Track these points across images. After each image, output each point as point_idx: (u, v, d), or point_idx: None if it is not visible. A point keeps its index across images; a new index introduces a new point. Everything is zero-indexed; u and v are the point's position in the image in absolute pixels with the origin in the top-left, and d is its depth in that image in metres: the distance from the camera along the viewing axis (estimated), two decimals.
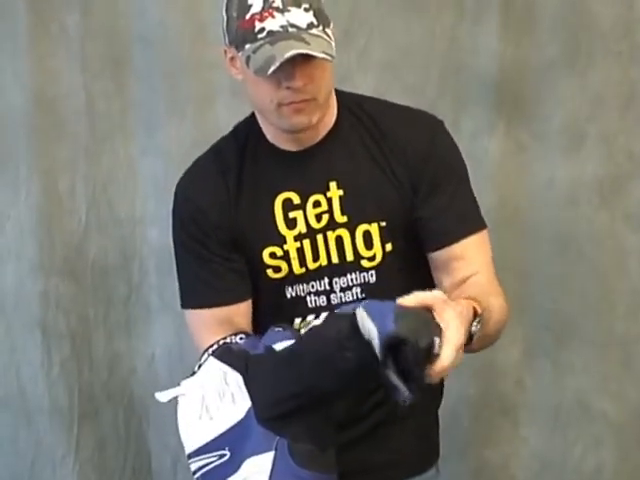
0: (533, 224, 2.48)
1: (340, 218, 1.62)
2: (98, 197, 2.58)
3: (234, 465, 1.40)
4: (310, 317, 1.64)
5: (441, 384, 1.77)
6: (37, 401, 2.63)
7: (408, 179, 1.62)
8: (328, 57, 1.49)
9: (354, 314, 1.28)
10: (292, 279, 1.63)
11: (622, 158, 2.44)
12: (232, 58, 1.57)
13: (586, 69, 2.41)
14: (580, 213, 2.47)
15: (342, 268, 1.62)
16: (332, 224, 1.62)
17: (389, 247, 1.62)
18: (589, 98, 2.42)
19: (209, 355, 1.48)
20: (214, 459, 1.41)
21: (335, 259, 1.62)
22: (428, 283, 1.65)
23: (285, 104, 1.53)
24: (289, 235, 1.62)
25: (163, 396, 1.45)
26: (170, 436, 2.55)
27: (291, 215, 1.62)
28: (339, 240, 1.62)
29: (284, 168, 1.63)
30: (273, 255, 1.63)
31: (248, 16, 1.50)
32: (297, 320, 1.64)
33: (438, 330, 1.27)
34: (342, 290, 1.63)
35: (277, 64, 1.46)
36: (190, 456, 1.44)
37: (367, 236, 1.62)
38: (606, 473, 2.54)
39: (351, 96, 1.69)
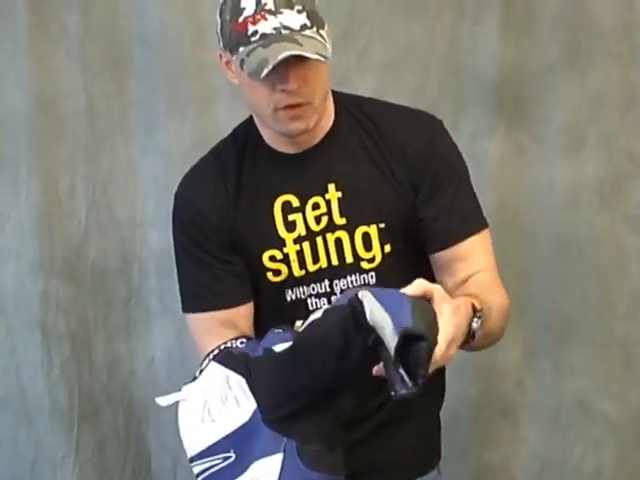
0: (533, 225, 2.48)
1: (339, 220, 1.61)
2: (98, 198, 2.58)
3: (241, 467, 1.39)
4: None
5: (442, 385, 1.77)
6: (37, 402, 2.63)
7: (408, 180, 1.62)
8: (321, 58, 1.48)
9: (357, 299, 1.27)
10: (292, 282, 1.63)
11: (622, 159, 2.44)
12: (227, 62, 1.57)
13: (586, 70, 2.41)
14: (580, 214, 2.46)
15: (342, 270, 1.62)
16: (331, 226, 1.62)
17: (388, 249, 1.62)
18: (589, 99, 2.42)
19: (210, 360, 1.48)
20: (218, 461, 1.41)
21: (335, 261, 1.62)
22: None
23: (280, 108, 1.53)
24: (288, 238, 1.62)
25: (164, 401, 1.45)
26: (170, 437, 2.55)
27: (290, 218, 1.62)
28: (338, 242, 1.62)
29: (283, 171, 1.63)
30: (273, 258, 1.62)
31: (241, 19, 1.49)
32: (298, 323, 1.63)
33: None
34: (342, 292, 1.62)
35: (270, 67, 1.46)
36: (193, 459, 1.43)
37: (366, 238, 1.62)
38: (606, 474, 2.54)
39: (349, 97, 1.68)
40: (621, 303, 2.48)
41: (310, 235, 1.62)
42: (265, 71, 1.46)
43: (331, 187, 1.61)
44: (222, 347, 1.53)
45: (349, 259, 1.62)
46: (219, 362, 1.46)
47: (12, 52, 2.54)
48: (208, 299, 1.64)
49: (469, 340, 1.41)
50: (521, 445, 2.54)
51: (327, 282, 1.63)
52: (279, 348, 1.41)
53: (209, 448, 1.41)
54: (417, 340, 1.25)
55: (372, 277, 1.63)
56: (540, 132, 2.45)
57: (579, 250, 2.47)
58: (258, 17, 1.48)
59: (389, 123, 1.63)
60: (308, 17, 1.50)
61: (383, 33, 2.46)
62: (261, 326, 1.63)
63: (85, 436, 2.64)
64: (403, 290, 1.33)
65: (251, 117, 1.66)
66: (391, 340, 1.24)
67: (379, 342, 1.26)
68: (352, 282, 1.63)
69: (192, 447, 1.43)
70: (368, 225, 1.61)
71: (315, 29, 1.51)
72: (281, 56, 1.45)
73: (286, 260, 1.62)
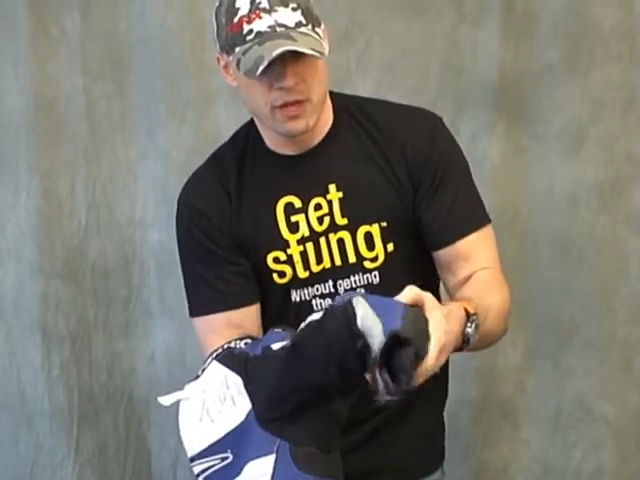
0: (533, 227, 2.48)
1: (340, 220, 1.62)
2: (98, 199, 2.59)
3: (237, 468, 1.39)
4: None
5: (445, 387, 1.77)
6: (37, 403, 2.63)
7: (408, 178, 1.62)
8: (317, 54, 1.48)
9: (351, 304, 1.27)
10: (297, 283, 1.63)
11: (622, 161, 2.44)
12: (225, 65, 1.57)
13: (586, 72, 2.41)
14: (580, 216, 2.46)
15: (345, 270, 1.62)
16: (333, 226, 1.62)
17: (391, 247, 1.62)
18: (589, 101, 2.43)
19: (213, 359, 1.48)
20: (216, 462, 1.41)
21: (338, 261, 1.62)
22: (432, 281, 1.65)
23: (278, 106, 1.53)
24: (292, 239, 1.62)
25: (166, 400, 1.45)
26: (170, 437, 2.56)
27: (293, 219, 1.62)
28: (341, 242, 1.62)
29: (283, 172, 1.63)
30: (277, 260, 1.63)
31: (236, 19, 1.50)
32: (303, 324, 1.63)
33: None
34: (347, 292, 1.62)
35: (265, 63, 1.46)
36: (193, 459, 1.43)
37: (368, 237, 1.62)
38: (606, 476, 2.54)
39: (348, 98, 1.68)
40: (622, 306, 2.48)
41: (313, 236, 1.62)
42: (261, 68, 1.46)
43: (332, 187, 1.61)
44: (225, 346, 1.52)
45: (352, 259, 1.62)
46: (220, 361, 1.46)
47: (13, 54, 2.55)
48: (214, 301, 1.64)
49: (463, 345, 1.41)
50: (521, 447, 2.54)
51: (331, 282, 1.63)
52: (276, 346, 1.41)
53: (208, 448, 1.41)
54: (405, 345, 1.24)
55: (375, 276, 1.63)
56: (540, 134, 2.45)
57: (579, 252, 2.47)
58: (253, 16, 1.49)
59: (389, 122, 1.63)
60: (303, 14, 1.50)
61: (383, 35, 2.46)
62: (268, 327, 1.62)
63: (85, 437, 2.64)
64: (395, 298, 1.32)
65: (251, 120, 1.66)
66: (378, 343, 1.23)
67: (367, 347, 1.26)
68: (356, 282, 1.63)
69: (192, 447, 1.42)
70: (370, 224, 1.61)
71: (310, 26, 1.51)
72: (276, 52, 1.45)
73: (290, 261, 1.62)
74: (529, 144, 2.46)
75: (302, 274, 1.63)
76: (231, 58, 1.52)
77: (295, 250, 1.62)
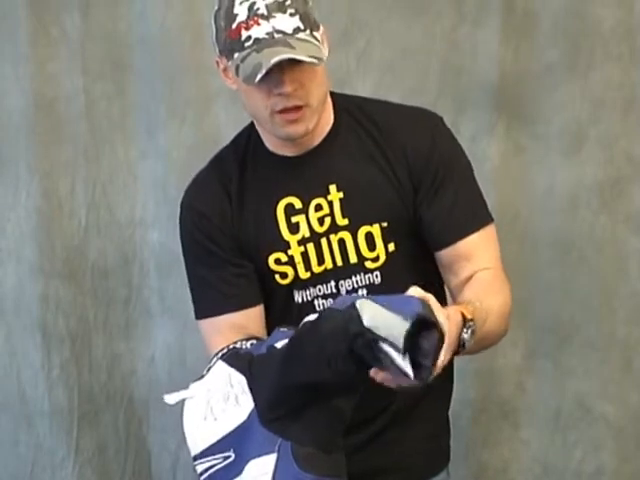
0: (533, 228, 2.48)
1: (341, 221, 1.62)
2: (98, 199, 2.59)
3: (239, 467, 1.40)
4: None
5: (449, 388, 1.76)
6: (37, 403, 2.63)
7: (409, 178, 1.62)
8: (315, 61, 1.49)
9: (354, 306, 1.27)
10: (299, 284, 1.64)
11: (622, 161, 2.44)
12: (224, 69, 1.58)
13: (586, 72, 2.42)
14: (580, 216, 2.47)
15: (347, 270, 1.62)
16: (334, 227, 1.62)
17: (392, 247, 1.62)
18: (589, 101, 2.43)
19: (218, 358, 1.48)
20: (219, 461, 1.41)
21: (339, 262, 1.62)
22: (435, 280, 1.65)
23: (277, 111, 1.53)
24: (293, 240, 1.62)
25: (171, 398, 1.45)
26: (170, 438, 2.56)
27: (294, 220, 1.62)
28: (342, 243, 1.62)
29: (284, 174, 1.63)
30: (278, 261, 1.63)
31: (235, 25, 1.50)
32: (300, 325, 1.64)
33: None
34: (348, 292, 1.63)
35: (264, 71, 1.47)
36: (196, 458, 1.44)
37: (369, 237, 1.62)
38: (606, 476, 2.53)
39: (348, 98, 1.68)
40: (622, 306, 2.48)
41: (314, 236, 1.62)
42: (259, 76, 1.47)
43: (332, 188, 1.61)
44: (231, 346, 1.53)
45: (353, 259, 1.62)
46: (224, 360, 1.47)
47: (13, 54, 2.55)
48: (217, 303, 1.65)
49: (459, 349, 1.41)
50: (521, 447, 2.54)
51: (333, 283, 1.63)
52: (280, 345, 1.41)
53: (211, 447, 1.42)
54: (427, 330, 1.25)
55: (377, 276, 1.62)
56: (540, 134, 2.45)
57: (579, 252, 2.47)
58: (251, 22, 1.49)
59: (389, 122, 1.63)
60: (301, 20, 1.50)
61: (383, 34, 2.46)
62: (272, 329, 1.62)
63: (85, 437, 2.64)
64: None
65: (252, 123, 1.67)
66: (401, 330, 1.23)
67: (375, 342, 1.26)
68: (357, 282, 1.63)
69: (196, 446, 1.43)
70: (370, 224, 1.61)
71: (309, 31, 1.51)
72: (273, 60, 1.46)
73: (291, 262, 1.62)
74: (529, 144, 2.46)
75: (304, 275, 1.63)
76: (230, 63, 1.53)
77: (296, 251, 1.62)
